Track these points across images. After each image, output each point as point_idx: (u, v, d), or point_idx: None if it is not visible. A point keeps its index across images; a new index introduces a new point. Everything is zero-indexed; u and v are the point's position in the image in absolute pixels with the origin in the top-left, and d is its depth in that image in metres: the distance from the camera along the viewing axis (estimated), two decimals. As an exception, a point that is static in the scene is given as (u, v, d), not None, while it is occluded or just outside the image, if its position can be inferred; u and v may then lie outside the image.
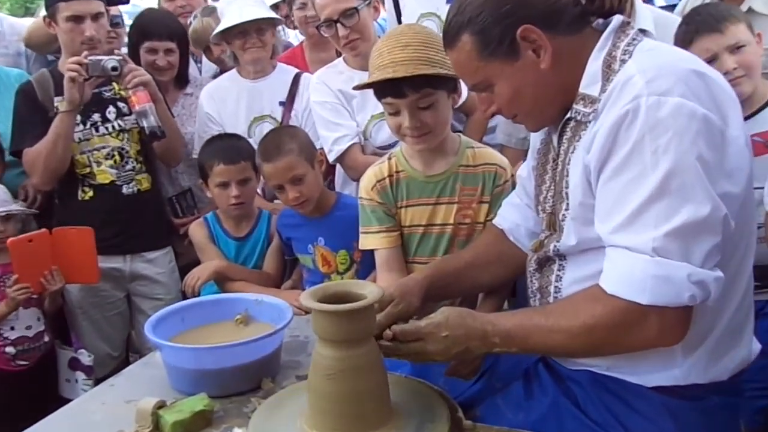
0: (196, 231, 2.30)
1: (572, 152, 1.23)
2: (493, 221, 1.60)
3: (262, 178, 2.32)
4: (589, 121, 1.19)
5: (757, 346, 1.29)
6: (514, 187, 1.67)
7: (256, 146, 2.34)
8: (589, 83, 1.20)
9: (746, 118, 1.46)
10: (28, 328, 2.36)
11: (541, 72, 1.22)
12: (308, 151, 2.06)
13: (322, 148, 2.38)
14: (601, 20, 1.27)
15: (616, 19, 1.24)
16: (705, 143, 1.08)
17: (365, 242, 1.75)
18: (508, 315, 1.31)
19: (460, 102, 1.97)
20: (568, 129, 1.26)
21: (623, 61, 1.17)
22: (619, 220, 1.11)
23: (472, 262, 1.56)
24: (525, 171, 1.52)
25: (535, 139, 1.46)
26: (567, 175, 1.24)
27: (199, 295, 2.08)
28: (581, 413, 1.26)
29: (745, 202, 1.17)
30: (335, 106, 2.33)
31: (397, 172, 1.70)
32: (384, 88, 1.57)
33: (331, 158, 2.34)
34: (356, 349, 1.20)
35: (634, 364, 1.22)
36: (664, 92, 1.08)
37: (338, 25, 2.22)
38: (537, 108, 1.29)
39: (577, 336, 1.15)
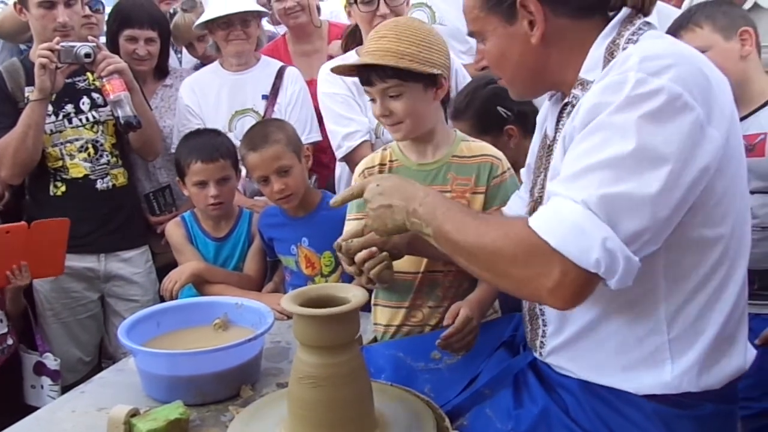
0: (173, 231, 2.29)
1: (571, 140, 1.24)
2: (502, 208, 1.65)
3: (241, 175, 2.31)
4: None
5: (751, 355, 1.31)
6: (512, 183, 1.71)
7: (237, 141, 2.34)
8: (590, 69, 1.23)
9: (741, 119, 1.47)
10: None
11: (529, 45, 1.25)
12: (295, 144, 2.08)
13: (308, 145, 2.39)
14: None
15: (625, 9, 1.26)
16: None
17: (345, 229, 1.77)
18: (444, 198, 1.34)
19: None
20: (564, 114, 1.29)
21: (625, 48, 1.20)
22: (567, 174, 1.13)
23: None
24: (530, 159, 1.55)
25: (535, 139, 1.49)
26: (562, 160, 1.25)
27: (177, 299, 2.08)
28: (571, 422, 1.28)
29: (729, 204, 1.18)
30: (347, 99, 2.33)
31: (391, 161, 1.74)
32: (361, 77, 1.64)
33: (339, 155, 2.35)
34: (339, 355, 1.21)
35: (623, 368, 1.24)
36: (654, 73, 1.10)
37: (380, 1, 2.23)
38: (517, 78, 1.33)
39: (483, 247, 1.16)
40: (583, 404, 1.28)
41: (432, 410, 1.33)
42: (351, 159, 2.33)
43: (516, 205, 1.59)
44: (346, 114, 2.32)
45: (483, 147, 1.75)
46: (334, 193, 2.46)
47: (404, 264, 1.66)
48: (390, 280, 1.56)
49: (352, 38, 2.49)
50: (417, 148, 1.71)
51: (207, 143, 2.23)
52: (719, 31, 1.85)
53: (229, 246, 2.28)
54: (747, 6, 2.22)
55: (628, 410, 1.24)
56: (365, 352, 1.50)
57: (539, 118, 1.50)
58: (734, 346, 1.26)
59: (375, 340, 1.78)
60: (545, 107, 1.48)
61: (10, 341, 2.38)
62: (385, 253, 1.47)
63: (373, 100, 1.64)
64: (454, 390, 1.44)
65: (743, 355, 1.28)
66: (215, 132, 2.37)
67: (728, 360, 1.25)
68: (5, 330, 2.38)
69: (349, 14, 2.37)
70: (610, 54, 1.21)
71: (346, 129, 2.30)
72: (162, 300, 2.17)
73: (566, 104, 1.28)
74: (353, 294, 1.23)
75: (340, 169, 2.50)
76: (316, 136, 2.52)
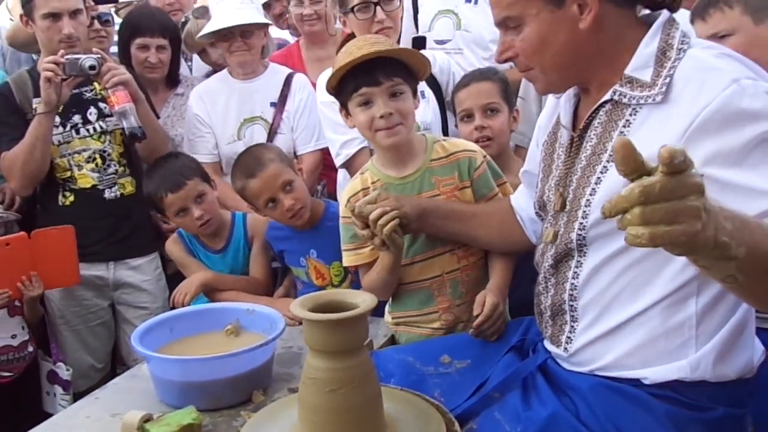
0: (173, 248, 2.33)
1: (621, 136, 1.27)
2: (510, 196, 1.73)
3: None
4: (639, 105, 1.26)
5: (760, 348, 1.37)
6: (490, 167, 1.81)
7: (244, 148, 2.38)
8: (640, 67, 1.27)
9: None
10: (13, 336, 2.43)
11: (577, 31, 1.27)
12: (288, 160, 2.14)
13: (297, 158, 2.50)
14: (647, 11, 1.35)
15: (666, 12, 1.32)
16: None
17: (344, 260, 1.87)
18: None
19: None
20: (602, 112, 1.32)
21: (681, 50, 1.25)
22: None
23: (475, 213, 1.73)
24: (527, 166, 1.64)
25: (540, 135, 1.56)
26: (609, 159, 1.28)
27: None
28: (581, 425, 1.32)
29: None
30: None
31: (373, 183, 1.80)
32: (358, 79, 1.69)
33: (338, 162, 2.40)
34: (348, 360, 1.25)
35: (646, 354, 1.29)
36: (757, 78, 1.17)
37: (377, 8, 2.28)
38: (556, 67, 1.32)
39: None
40: (594, 407, 1.33)
41: (441, 414, 1.36)
42: (350, 166, 2.39)
43: (521, 196, 1.68)
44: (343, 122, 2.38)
45: (457, 143, 1.83)
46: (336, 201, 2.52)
47: (424, 271, 1.75)
48: (401, 246, 1.66)
49: None
50: (395, 163, 1.78)
51: (169, 172, 2.24)
52: (750, 13, 1.79)
53: (231, 255, 2.31)
54: None
55: (640, 414, 1.29)
56: (375, 356, 1.56)
57: (545, 113, 1.56)
58: (745, 336, 1.32)
59: (393, 339, 1.84)
60: (552, 103, 1.53)
61: (30, 348, 2.47)
62: (396, 212, 1.58)
63: (366, 105, 1.70)
64: (463, 394, 1.48)
65: (752, 345, 1.34)
66: (173, 155, 2.41)
67: (741, 350, 1.30)
68: (26, 337, 2.46)
69: (344, 24, 2.41)
70: (662, 53, 1.25)
71: (344, 137, 2.35)
72: (173, 307, 2.21)
73: (605, 102, 1.31)
74: (362, 299, 1.27)
75: (342, 175, 2.55)
76: (326, 142, 2.56)
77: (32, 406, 2.45)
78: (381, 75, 1.67)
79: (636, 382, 1.32)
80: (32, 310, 2.47)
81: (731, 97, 1.15)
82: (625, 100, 1.28)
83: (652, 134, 1.22)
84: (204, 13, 2.92)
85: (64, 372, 2.48)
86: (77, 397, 2.28)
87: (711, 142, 1.16)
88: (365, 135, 1.78)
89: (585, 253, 1.35)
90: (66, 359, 2.55)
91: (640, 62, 1.27)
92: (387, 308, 1.89)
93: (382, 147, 1.76)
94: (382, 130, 1.70)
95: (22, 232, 2.41)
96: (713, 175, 1.14)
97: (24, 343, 2.45)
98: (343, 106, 1.77)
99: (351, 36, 2.43)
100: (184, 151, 2.69)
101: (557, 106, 1.49)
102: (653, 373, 1.29)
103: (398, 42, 2.49)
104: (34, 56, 3.05)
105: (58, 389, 2.47)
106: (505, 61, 1.37)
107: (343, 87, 1.72)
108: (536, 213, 1.57)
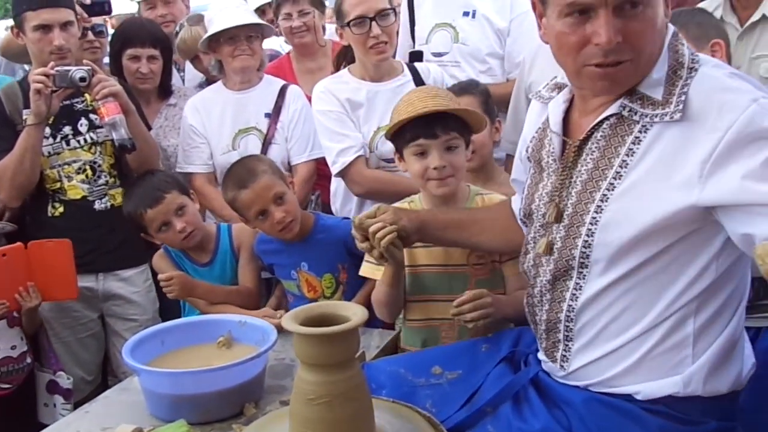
0: (161, 263, 2.34)
1: (630, 155, 1.27)
2: (512, 198, 1.75)
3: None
4: (653, 122, 1.26)
5: (750, 361, 1.39)
6: None
7: (239, 158, 2.40)
8: (652, 85, 1.28)
9: None
10: (13, 348, 2.44)
11: (662, 24, 1.27)
12: (279, 172, 2.16)
13: (291, 168, 2.52)
14: None
15: (671, 26, 1.34)
16: None
17: (363, 269, 1.91)
18: None
19: None
20: (606, 125, 1.32)
21: (693, 69, 1.27)
22: None
23: (475, 219, 1.75)
24: (515, 175, 1.66)
25: (523, 143, 1.58)
26: (616, 177, 1.28)
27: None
28: (574, 439, 1.35)
29: None
30: (340, 116, 2.43)
31: None
32: (416, 130, 1.77)
33: (334, 171, 2.43)
34: (339, 373, 1.26)
35: (642, 371, 1.30)
36: None
37: (373, 23, 2.31)
38: (650, 59, 1.28)
39: None
40: (587, 421, 1.34)
41: (433, 426, 1.37)
42: (346, 175, 2.42)
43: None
44: (340, 130, 2.41)
45: (495, 198, 1.89)
46: (330, 212, 2.54)
47: (441, 310, 1.79)
48: (399, 259, 1.70)
49: (344, 57, 2.58)
50: (437, 206, 1.84)
51: (146, 188, 2.27)
52: (691, 41, 1.86)
53: (218, 267, 2.31)
54: (755, 18, 2.28)
55: (632, 427, 1.31)
56: (366, 368, 1.58)
57: (529, 123, 1.56)
58: (737, 350, 1.34)
59: (395, 342, 1.90)
60: (535, 110, 1.54)
61: (28, 360, 2.48)
62: (394, 226, 1.61)
63: (421, 155, 1.77)
64: (454, 405, 1.50)
65: (742, 359, 1.36)
66: (149, 173, 2.43)
67: (733, 364, 1.33)
68: (25, 348, 2.47)
69: (341, 36, 2.44)
70: (673, 72, 1.27)
71: (341, 145, 2.39)
72: (162, 318, 2.21)
73: (609, 115, 1.31)
74: (353, 312, 1.28)
75: (336, 184, 2.58)
76: (320, 152, 2.60)
77: (28, 418, 2.45)
78: (439, 128, 1.74)
79: (629, 397, 1.33)
80: (30, 320, 2.48)
81: (753, 116, 1.16)
82: (635, 117, 1.28)
83: (669, 153, 1.23)
84: (198, 20, 2.94)
85: (64, 381, 2.48)
86: (73, 408, 2.28)
87: (739, 162, 1.17)
88: (417, 181, 1.85)
89: (585, 275, 1.34)
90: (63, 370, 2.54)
91: (654, 80, 1.28)
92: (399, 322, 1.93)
93: (430, 195, 1.84)
94: (434, 180, 1.78)
95: (18, 243, 2.42)
96: (752, 187, 1.15)
97: (23, 354, 2.46)
98: (398, 151, 1.85)
99: (347, 48, 2.47)
100: (178, 162, 2.72)
101: (541, 113, 1.50)
102: (647, 388, 1.31)
103: (394, 55, 2.52)
104: (26, 67, 3.07)
105: (59, 399, 2.47)
106: (615, 46, 1.23)
107: (401, 134, 1.80)
108: (521, 220, 1.57)
